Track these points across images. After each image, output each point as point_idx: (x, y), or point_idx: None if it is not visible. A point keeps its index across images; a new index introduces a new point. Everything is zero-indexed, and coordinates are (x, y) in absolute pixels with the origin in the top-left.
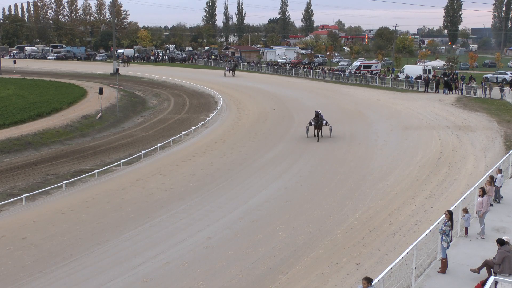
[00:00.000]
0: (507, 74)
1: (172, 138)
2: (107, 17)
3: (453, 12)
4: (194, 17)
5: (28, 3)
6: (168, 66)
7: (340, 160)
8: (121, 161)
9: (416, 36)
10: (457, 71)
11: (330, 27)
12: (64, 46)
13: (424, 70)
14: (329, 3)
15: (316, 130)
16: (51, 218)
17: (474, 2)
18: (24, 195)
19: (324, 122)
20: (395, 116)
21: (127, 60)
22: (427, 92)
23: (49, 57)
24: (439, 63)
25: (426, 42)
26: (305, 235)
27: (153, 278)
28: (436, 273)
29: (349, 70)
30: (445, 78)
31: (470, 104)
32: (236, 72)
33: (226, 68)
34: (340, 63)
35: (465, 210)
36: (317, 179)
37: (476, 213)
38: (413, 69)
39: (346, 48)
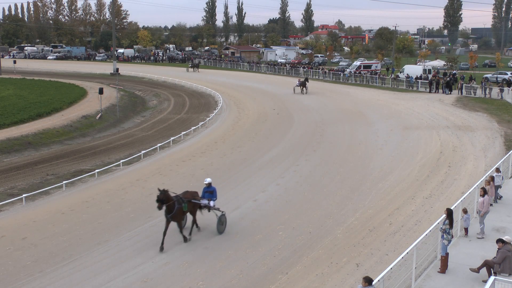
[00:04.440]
0: (507, 74)
1: (172, 138)
2: (107, 17)
3: (453, 12)
4: (194, 17)
5: (28, 3)
6: (168, 66)
7: (340, 160)
8: (121, 161)
9: (416, 36)
10: (455, 71)
11: (330, 27)
12: (64, 46)
13: (424, 70)
14: (329, 3)
15: (167, 225)
16: (51, 218)
17: (474, 2)
18: (24, 195)
19: (209, 204)
20: (395, 116)
21: (197, 64)
22: (431, 92)
23: (49, 57)
24: (439, 63)
25: (426, 42)
26: (305, 235)
27: (153, 278)
28: (436, 273)
29: (349, 70)
30: (446, 79)
31: (470, 104)
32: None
33: (297, 82)
34: (340, 63)
35: (465, 211)
36: (317, 179)
37: (477, 212)
38: (413, 69)
39: (346, 48)
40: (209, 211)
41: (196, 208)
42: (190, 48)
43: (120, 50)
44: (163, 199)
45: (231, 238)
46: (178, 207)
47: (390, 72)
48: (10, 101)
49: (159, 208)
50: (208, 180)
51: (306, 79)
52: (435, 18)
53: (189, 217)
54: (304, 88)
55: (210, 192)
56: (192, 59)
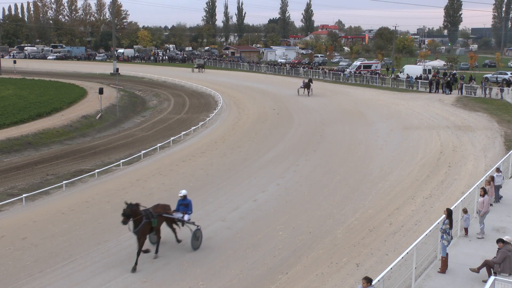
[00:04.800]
0: (507, 74)
1: (172, 138)
2: (107, 17)
3: (453, 12)
4: (194, 17)
5: (28, 3)
6: (168, 66)
7: (340, 160)
8: (121, 161)
9: (416, 36)
10: (454, 71)
11: (330, 27)
12: (64, 46)
13: (424, 70)
14: (329, 3)
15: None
16: (51, 218)
17: (474, 2)
18: (24, 195)
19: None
20: (395, 116)
21: (202, 65)
22: (431, 92)
23: (49, 57)
24: (439, 63)
25: (426, 42)
26: (305, 235)
27: (153, 278)
28: (436, 273)
29: (349, 70)
30: (446, 79)
31: (470, 104)
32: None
33: (301, 84)
34: (340, 63)
35: (465, 211)
36: (317, 179)
37: (477, 212)
38: (413, 69)
39: (346, 48)
40: (183, 225)
41: (170, 222)
42: (190, 48)
43: (120, 50)
44: (130, 214)
45: (231, 238)
46: (145, 222)
47: (390, 72)
48: (10, 101)
49: (124, 222)
50: (183, 192)
51: (310, 80)
52: (435, 18)
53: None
54: (308, 90)
55: (185, 205)
56: (192, 59)
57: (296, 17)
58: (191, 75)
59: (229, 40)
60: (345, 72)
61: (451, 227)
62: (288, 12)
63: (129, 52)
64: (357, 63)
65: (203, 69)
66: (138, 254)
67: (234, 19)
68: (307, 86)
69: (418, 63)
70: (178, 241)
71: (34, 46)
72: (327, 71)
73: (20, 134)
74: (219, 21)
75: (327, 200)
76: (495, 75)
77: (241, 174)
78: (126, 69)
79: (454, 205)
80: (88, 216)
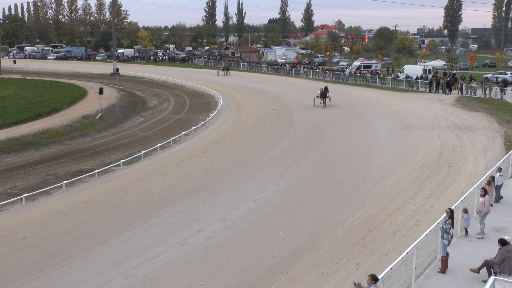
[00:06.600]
0: (507, 74)
1: (172, 138)
2: (107, 17)
3: (453, 12)
4: (194, 17)
5: (28, 3)
6: (168, 66)
7: (340, 160)
8: (121, 161)
9: (416, 36)
10: (454, 71)
11: (330, 27)
12: (64, 46)
13: (424, 70)
14: (329, 3)
15: None
16: (51, 218)
17: (474, 2)
18: (24, 195)
19: None
20: (395, 116)
21: (227, 67)
22: (431, 92)
23: (49, 57)
24: (439, 63)
25: (426, 42)
26: (305, 235)
27: (153, 278)
28: (436, 273)
29: (349, 70)
30: (446, 79)
31: (470, 104)
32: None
33: (318, 93)
34: (340, 63)
35: (465, 211)
36: (317, 179)
37: (477, 212)
38: (413, 69)
39: (346, 48)
40: None
41: None
42: (190, 48)
43: (120, 50)
44: None
45: (231, 238)
46: None
47: (390, 72)
48: (10, 101)
49: None
50: None
51: (326, 89)
52: (435, 18)
53: None
54: (325, 100)
55: None
56: (192, 59)
57: (296, 17)
58: (191, 75)
59: (229, 40)
60: (345, 72)
61: (452, 227)
62: (288, 12)
63: (129, 52)
64: (357, 63)
65: (228, 72)
66: None
67: (234, 19)
68: (323, 95)
69: (418, 63)
70: None
71: (34, 46)
72: (327, 71)
73: (20, 134)
74: (219, 21)
75: (327, 200)
76: (495, 75)
77: (241, 174)
78: (126, 69)
79: (454, 205)
80: (88, 216)
